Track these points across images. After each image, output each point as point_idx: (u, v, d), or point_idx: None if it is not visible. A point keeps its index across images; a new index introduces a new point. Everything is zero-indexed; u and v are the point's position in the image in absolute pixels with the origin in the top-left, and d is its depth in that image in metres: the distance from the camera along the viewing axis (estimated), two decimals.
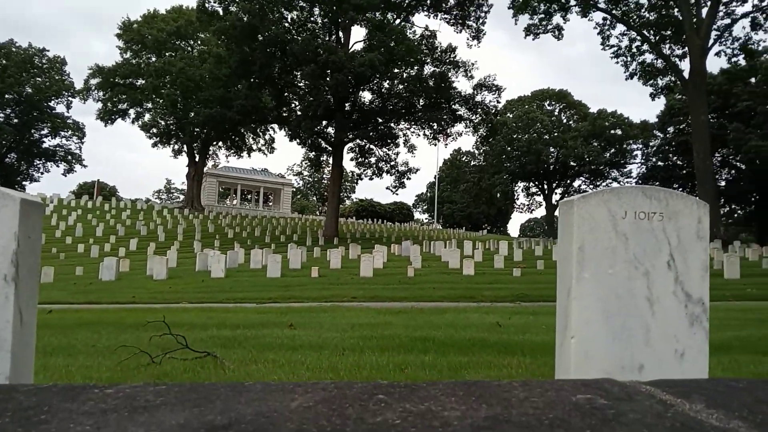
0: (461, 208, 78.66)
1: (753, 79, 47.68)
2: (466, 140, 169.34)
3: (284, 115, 40.85)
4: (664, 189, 2.51)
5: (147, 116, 54.08)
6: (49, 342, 5.11)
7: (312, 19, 38.30)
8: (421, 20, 77.71)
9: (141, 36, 51.60)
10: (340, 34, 38.95)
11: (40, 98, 60.19)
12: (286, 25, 37.19)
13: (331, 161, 41.93)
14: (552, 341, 5.33)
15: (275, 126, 49.48)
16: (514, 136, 63.92)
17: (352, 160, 42.10)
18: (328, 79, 35.28)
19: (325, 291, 13.53)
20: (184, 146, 55.34)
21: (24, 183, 62.38)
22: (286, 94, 39.98)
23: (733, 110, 47.17)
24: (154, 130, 53.81)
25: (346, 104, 38.67)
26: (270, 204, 72.03)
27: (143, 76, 51.00)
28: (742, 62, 43.58)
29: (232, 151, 56.41)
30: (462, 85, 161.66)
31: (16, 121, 60.06)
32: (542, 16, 39.25)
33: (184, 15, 52.10)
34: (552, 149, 64.59)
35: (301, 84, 39.26)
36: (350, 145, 41.06)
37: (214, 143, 56.72)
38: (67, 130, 62.91)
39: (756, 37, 51.68)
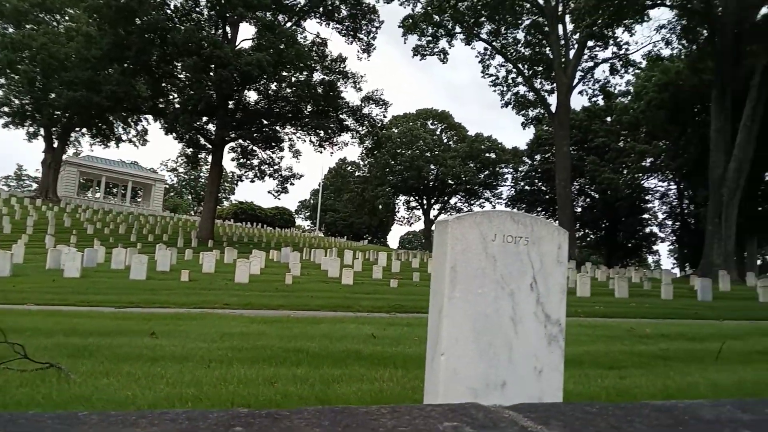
0: (344, 217, 79.19)
1: (609, 118, 53.80)
2: (351, 150, 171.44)
3: (161, 106, 38.36)
4: (531, 216, 2.68)
5: None
6: None
7: (198, 9, 36.51)
8: (313, 27, 77.75)
9: None
10: (228, 29, 37.57)
11: None
12: (168, 12, 35.04)
13: (210, 159, 40.08)
14: (424, 353, 5.48)
15: (150, 117, 46.22)
16: (398, 151, 65.96)
17: (233, 160, 40.68)
18: (211, 73, 33.77)
19: (196, 297, 12.79)
20: (41, 129, 49.67)
21: None
22: (164, 84, 37.54)
23: (591, 144, 52.78)
24: (6, 109, 47.73)
25: (230, 102, 37.30)
26: (139, 200, 66.98)
27: None
28: (601, 102, 49.04)
29: (98, 139, 51.54)
30: (350, 96, 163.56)
31: None
32: (430, 38, 41.15)
33: None
34: (432, 166, 67.56)
35: (182, 76, 37.13)
36: (232, 144, 39.63)
37: (77, 129, 51.58)
38: None
39: (613, 81, 58.06)
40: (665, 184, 53.41)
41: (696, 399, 1.63)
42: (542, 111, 44.56)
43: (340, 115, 40.01)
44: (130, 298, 12.07)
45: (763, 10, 30.82)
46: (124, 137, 52.29)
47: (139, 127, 52.43)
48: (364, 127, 41.42)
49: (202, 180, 79.34)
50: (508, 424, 1.16)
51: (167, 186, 76.33)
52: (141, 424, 1.01)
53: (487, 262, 2.50)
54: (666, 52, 38.81)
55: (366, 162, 68.93)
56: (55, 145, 50.34)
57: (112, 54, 33.02)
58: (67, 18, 47.88)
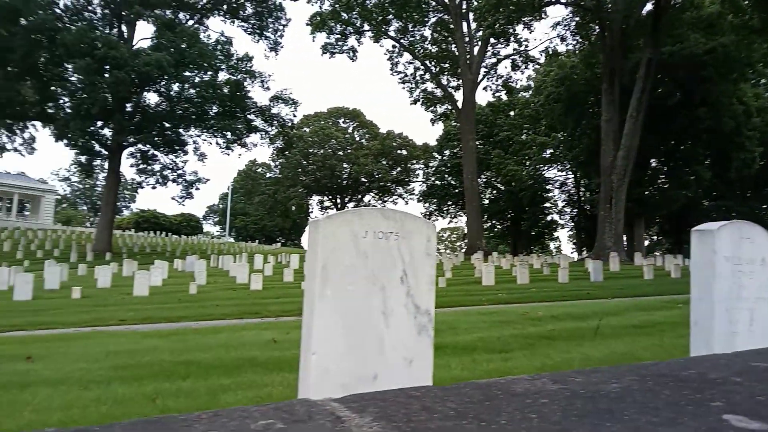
0: (255, 221, 77.37)
1: (512, 113, 56.51)
2: (262, 152, 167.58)
3: (50, 111, 35.51)
4: (401, 211, 2.73)
5: None
6: None
7: (90, 8, 34.22)
8: (216, 25, 74.84)
9: None
10: (124, 28, 35.50)
11: None
12: (57, 11, 32.56)
13: (106, 166, 37.63)
14: None
15: (38, 123, 42.62)
16: (310, 151, 65.44)
17: (132, 166, 38.48)
18: (106, 75, 31.72)
19: (87, 315, 11.95)
20: None
21: None
22: (53, 87, 34.79)
23: (496, 138, 55.20)
24: None
25: (128, 105, 35.25)
26: (26, 213, 61.56)
27: None
28: (504, 97, 51.35)
29: None
30: (258, 95, 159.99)
31: None
32: (338, 36, 41.10)
33: None
34: (345, 165, 67.66)
35: (73, 78, 34.59)
36: (131, 150, 37.45)
37: None
38: None
39: (515, 76, 61.19)
40: (564, 173, 57.00)
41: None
42: (450, 107, 45.95)
43: (248, 116, 39.08)
44: (12, 320, 11.08)
45: (648, 6, 33.63)
46: (8, 146, 47.65)
47: (26, 135, 47.93)
48: (274, 127, 40.76)
49: (99, 189, 74.39)
50: (324, 416, 1.16)
51: (59, 197, 70.85)
52: None
53: (358, 259, 2.52)
54: (562, 48, 41.42)
55: (277, 163, 67.74)
56: None
57: None
58: None
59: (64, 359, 5.47)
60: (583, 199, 54.99)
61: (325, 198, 73.27)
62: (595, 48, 37.10)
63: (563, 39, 39.92)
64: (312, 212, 76.70)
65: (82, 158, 38.06)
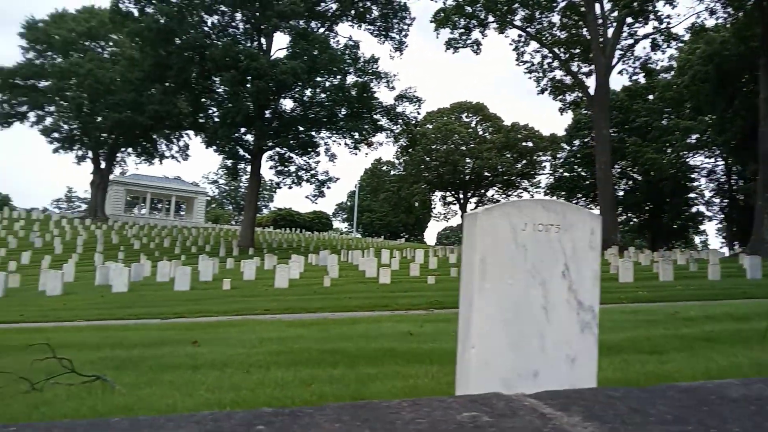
0: (380, 217, 79.42)
1: (651, 97, 52.03)
2: (386, 150, 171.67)
3: (201, 121, 39.43)
4: (562, 202, 2.60)
5: (49, 120, 50.22)
6: None
7: (233, 24, 37.44)
8: (344, 30, 77.92)
9: (48, 36, 47.89)
10: (263, 40, 38.31)
11: None
12: (206, 29, 36.06)
13: (249, 169, 40.93)
14: None
15: (191, 132, 47.65)
16: (433, 147, 65.63)
17: (271, 168, 41.38)
18: (248, 85, 34.51)
19: (237, 304, 13.03)
20: (89, 152, 51.83)
21: None
22: (203, 99, 38.65)
23: (632, 125, 51.17)
24: (57, 135, 50.01)
25: (267, 111, 38.01)
26: (182, 213, 68.95)
27: (47, 77, 47.32)
28: (642, 80, 47.44)
29: (143, 157, 53.54)
30: (384, 95, 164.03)
31: None
32: (462, 31, 40.69)
33: (96, 15, 48.92)
34: (468, 160, 66.92)
35: (220, 90, 38.13)
36: (270, 153, 40.34)
37: (123, 149, 53.63)
38: None
39: (655, 57, 56.13)
40: (712, 160, 51.40)
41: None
42: (580, 94, 43.53)
43: (374, 116, 40.20)
44: (175, 309, 12.39)
45: None
46: (167, 153, 54.10)
47: (181, 143, 54.08)
48: (399, 126, 41.50)
49: (242, 190, 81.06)
50: (528, 412, 1.11)
51: (209, 198, 78.34)
52: (168, 426, 1.01)
53: (517, 252, 2.45)
54: (710, 22, 37.37)
55: (401, 160, 68.88)
56: (103, 165, 52.43)
57: (154, 74, 34.23)
58: (111, 44, 49.78)
59: (224, 344, 6.00)
60: (735, 188, 49.15)
61: (448, 193, 73.10)
62: (750, 19, 32.86)
63: (712, 12, 35.90)
64: (435, 208, 76.98)
65: (229, 162, 41.75)
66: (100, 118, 44.64)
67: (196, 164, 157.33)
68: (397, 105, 40.56)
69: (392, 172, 76.67)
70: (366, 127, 40.28)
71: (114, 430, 0.99)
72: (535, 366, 2.43)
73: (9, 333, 8.11)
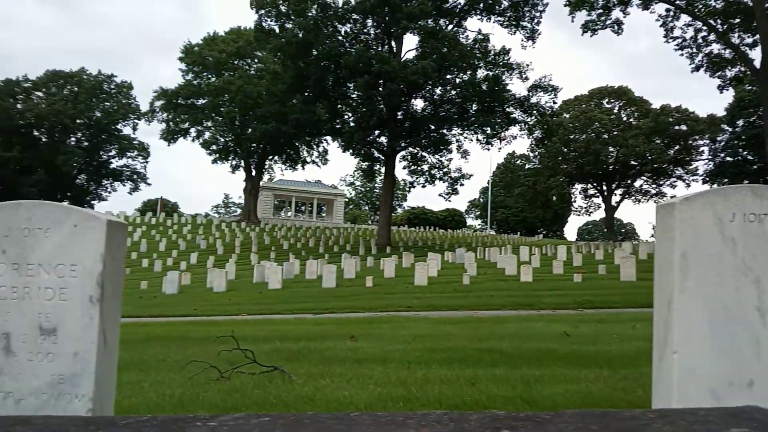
0: (515, 213, 77.15)
1: None
2: (520, 143, 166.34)
3: (337, 126, 41.40)
4: None
5: (207, 134, 56.15)
6: (120, 357, 5.22)
7: (365, 30, 38.75)
8: (473, 24, 77.02)
9: (202, 58, 53.74)
10: (393, 43, 39.19)
11: (108, 122, 64.15)
12: (340, 38, 37.82)
13: (383, 170, 42.10)
14: (629, 352, 4.99)
15: (329, 138, 50.29)
16: (571, 137, 62.15)
17: (404, 168, 42.17)
18: (380, 89, 35.55)
19: (380, 301, 13.44)
20: (242, 161, 57.07)
21: (93, 202, 65.91)
22: (339, 106, 40.59)
23: None
24: (214, 147, 55.76)
25: (399, 113, 38.81)
26: (323, 215, 73.02)
27: (204, 95, 53.08)
28: None
29: (288, 164, 57.71)
30: (516, 87, 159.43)
31: (86, 144, 64.17)
32: (600, 11, 37.96)
33: (242, 36, 53.87)
34: (611, 149, 62.29)
35: (354, 95, 39.75)
36: (403, 153, 41.13)
37: (270, 157, 58.20)
38: (133, 151, 66.66)
39: None
40: None
41: None
42: (743, 69, 38.42)
43: (507, 109, 39.19)
44: (325, 304, 13.10)
45: None
46: (308, 159, 57.65)
47: (320, 149, 57.29)
48: (533, 117, 40.00)
49: (377, 191, 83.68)
50: None
51: (347, 199, 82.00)
52: (410, 424, 1.02)
53: (724, 246, 2.17)
54: None
55: (536, 153, 66.15)
56: (253, 173, 57.33)
57: (295, 86, 36.65)
58: (256, 60, 54.41)
59: (379, 339, 6.18)
60: None
61: (589, 186, 68.74)
62: None
63: None
64: (575, 201, 72.87)
65: (364, 164, 43.30)
66: (250, 130, 48.90)
67: (334, 168, 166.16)
68: (531, 96, 39.06)
69: (527, 166, 74.08)
70: (498, 121, 39.40)
71: (358, 424, 1.02)
72: (750, 375, 2.14)
73: (190, 326, 9.13)
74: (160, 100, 54.51)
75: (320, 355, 5.10)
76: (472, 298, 13.67)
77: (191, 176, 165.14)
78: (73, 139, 63.82)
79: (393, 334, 6.61)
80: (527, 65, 38.21)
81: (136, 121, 65.45)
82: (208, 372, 4.22)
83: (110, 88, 65.80)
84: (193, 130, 55.83)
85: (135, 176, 66.78)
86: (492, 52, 38.15)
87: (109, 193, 68.17)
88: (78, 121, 62.80)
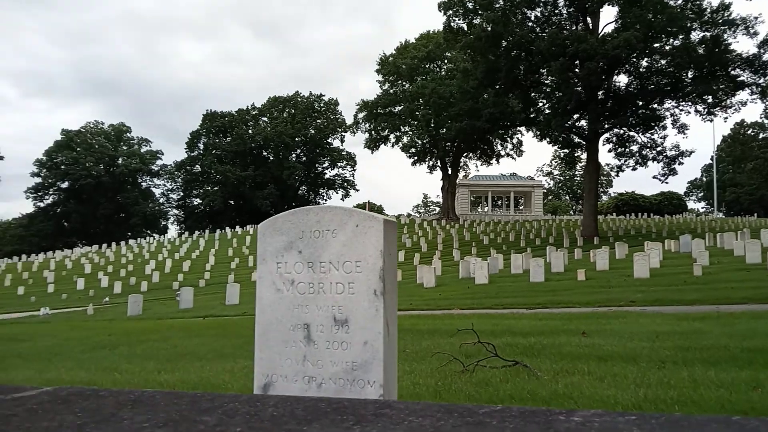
0: (749, 191, 65.99)
1: None
2: (751, 110, 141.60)
3: (531, 116, 40.06)
4: None
5: (405, 139, 59.11)
6: None
7: (556, 11, 36.89)
8: None
9: (396, 67, 56.83)
10: (588, 20, 36.62)
11: (320, 137, 72.41)
12: (530, 24, 36.62)
13: (584, 156, 39.50)
14: None
15: (522, 129, 48.97)
16: None
17: (609, 151, 39.03)
18: (576, 70, 33.48)
19: (597, 295, 12.57)
20: (438, 161, 58.78)
21: None
22: (532, 94, 39.25)
23: None
24: (413, 150, 58.48)
25: (599, 93, 36.08)
26: (520, 207, 71.25)
27: (400, 102, 56.05)
28: None
29: (482, 159, 57.82)
30: (742, 45, 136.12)
31: (304, 158, 73.37)
32: None
33: (431, 39, 55.61)
34: None
35: (548, 81, 38.07)
36: (606, 135, 38.11)
37: (465, 154, 58.93)
38: (342, 161, 74.22)
39: None
40: None
41: None
42: None
43: (731, 72, 33.79)
44: (537, 299, 12.70)
45: None
46: (502, 153, 57.03)
47: (515, 140, 56.22)
48: (767, 78, 33.82)
49: (578, 178, 78.81)
50: None
51: (545, 190, 78.86)
52: (712, 427, 0.92)
53: None
54: None
55: None
56: (449, 172, 58.63)
57: (486, 80, 36.49)
58: (446, 61, 55.74)
59: (614, 336, 5.78)
60: None
61: None
62: None
63: None
64: None
65: (563, 152, 41.12)
66: (444, 130, 50.08)
67: (529, 159, 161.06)
68: (764, 52, 33.05)
69: (761, 136, 62.83)
70: (721, 87, 34.19)
71: (649, 424, 0.94)
72: None
73: (413, 319, 9.63)
74: (362, 111, 58.87)
75: (556, 351, 4.95)
76: (708, 290, 12.06)
77: (392, 180, 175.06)
78: (293, 155, 73.09)
79: (627, 331, 6.12)
80: (755, 18, 32.47)
81: (343, 134, 72.58)
82: (451, 364, 4.40)
83: (320, 107, 73.99)
84: (392, 136, 59.17)
85: (345, 184, 74.12)
86: (708, 10, 33.20)
87: (325, 200, 76.39)
88: (296, 139, 71.82)
